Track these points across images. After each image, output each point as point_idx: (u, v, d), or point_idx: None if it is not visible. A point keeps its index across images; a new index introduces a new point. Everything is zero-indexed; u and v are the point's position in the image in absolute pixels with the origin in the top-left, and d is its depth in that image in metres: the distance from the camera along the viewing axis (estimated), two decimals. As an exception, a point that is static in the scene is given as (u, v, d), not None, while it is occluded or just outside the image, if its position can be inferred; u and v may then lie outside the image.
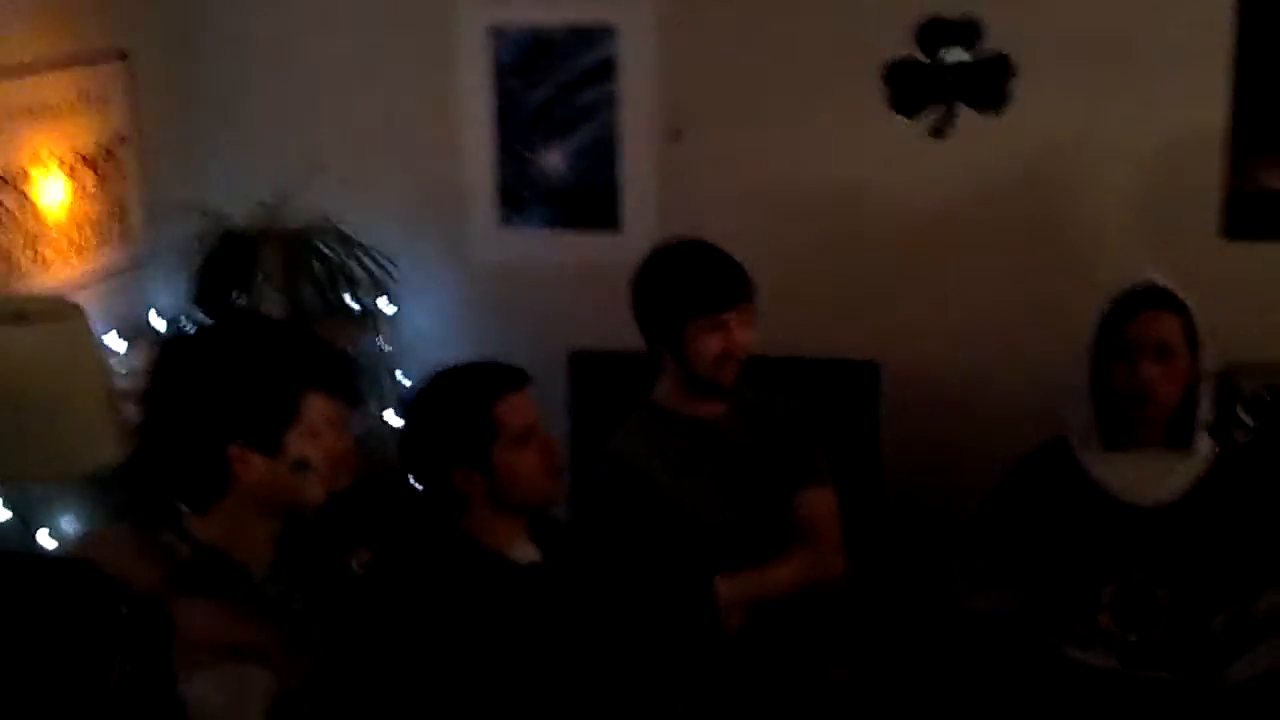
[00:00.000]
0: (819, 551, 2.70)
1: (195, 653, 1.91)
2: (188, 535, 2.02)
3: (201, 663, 1.91)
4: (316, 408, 2.03)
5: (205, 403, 1.99)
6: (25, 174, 3.13)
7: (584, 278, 3.73)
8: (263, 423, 1.99)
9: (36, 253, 3.17)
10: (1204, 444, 2.59)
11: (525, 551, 2.36)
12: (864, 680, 2.84)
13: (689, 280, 2.65)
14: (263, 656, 1.97)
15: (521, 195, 3.79)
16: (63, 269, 3.26)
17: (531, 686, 2.22)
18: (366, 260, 3.61)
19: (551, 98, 3.70)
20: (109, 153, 3.43)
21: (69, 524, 2.91)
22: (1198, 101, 3.36)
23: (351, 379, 2.34)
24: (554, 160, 3.75)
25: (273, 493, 2.03)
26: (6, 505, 2.71)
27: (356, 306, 3.61)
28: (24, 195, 3.12)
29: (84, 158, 3.34)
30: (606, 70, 3.66)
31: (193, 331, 2.12)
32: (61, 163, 3.25)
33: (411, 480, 2.48)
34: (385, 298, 3.70)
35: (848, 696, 2.77)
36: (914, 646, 3.10)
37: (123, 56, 3.48)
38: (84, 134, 3.34)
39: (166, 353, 2.12)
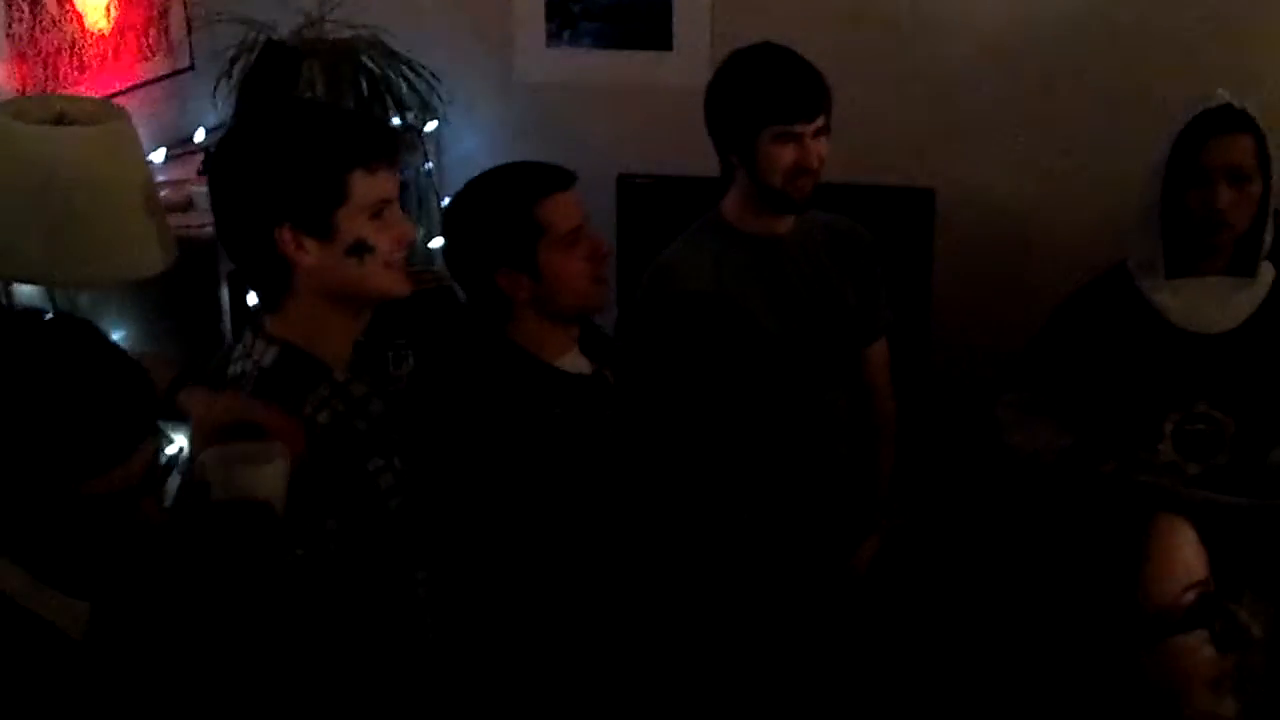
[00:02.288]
0: (882, 401, 2.79)
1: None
2: (270, 336, 1.97)
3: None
4: (368, 187, 1.91)
5: (249, 187, 1.92)
6: (67, -24, 3.04)
7: (634, 98, 3.63)
8: (309, 203, 1.89)
9: (78, 59, 3.09)
10: (1267, 271, 2.53)
11: (576, 363, 2.32)
12: (900, 547, 2.82)
13: (763, 88, 2.51)
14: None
15: (571, 12, 3.66)
16: (104, 77, 3.17)
17: (577, 495, 2.21)
18: (411, 77, 3.52)
19: (602, -93, 3.55)
20: (152, -43, 3.34)
21: (116, 331, 2.90)
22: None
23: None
24: (603, -25, 3.61)
25: (336, 282, 1.94)
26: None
27: (401, 125, 3.53)
28: (66, 0, 3.03)
29: (127, -39, 3.24)
30: (660, -123, 3.50)
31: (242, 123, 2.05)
32: (103, -34, 3.16)
33: (458, 290, 2.45)
34: (431, 117, 3.61)
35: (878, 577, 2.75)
36: (960, 486, 3.07)
37: None
38: (125, -63, 3.24)
39: (218, 148, 2.06)
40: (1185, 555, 1.55)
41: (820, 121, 2.51)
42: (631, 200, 3.51)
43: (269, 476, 1.75)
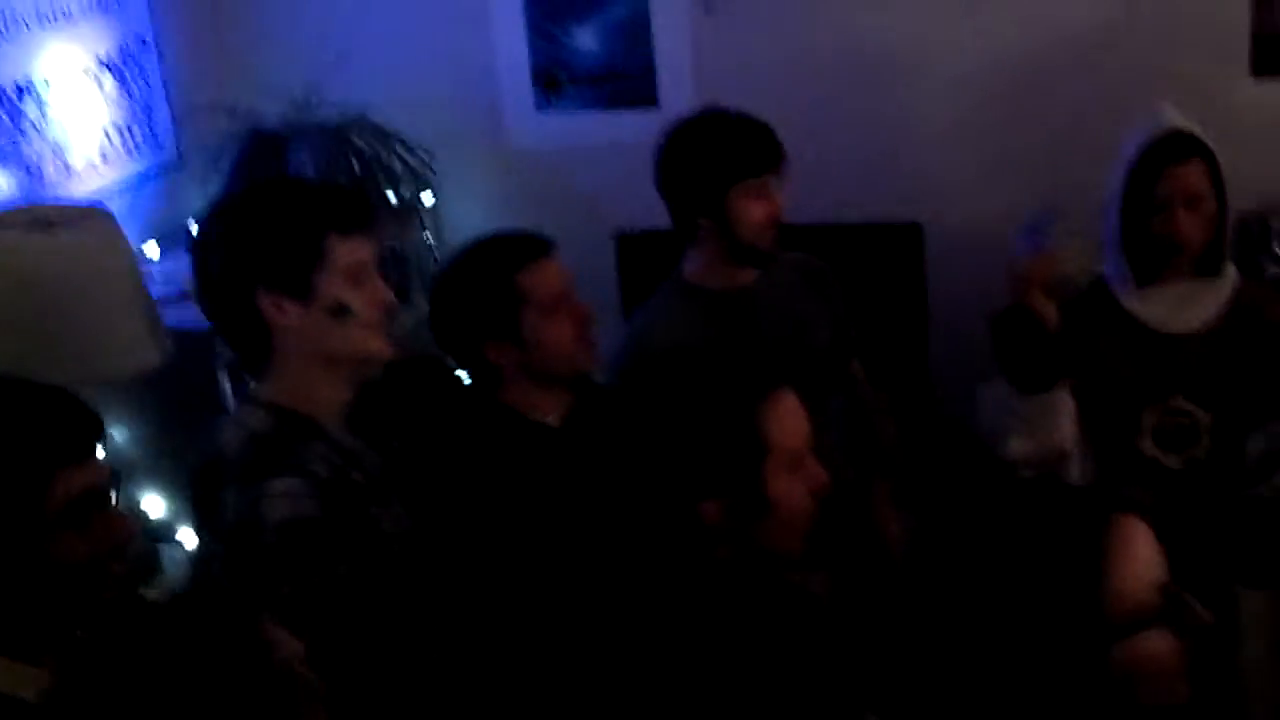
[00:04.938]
0: (881, 412, 2.76)
1: None
2: (260, 401, 1.94)
3: None
4: (344, 250, 1.90)
5: (230, 252, 1.91)
6: (45, 82, 2.97)
7: (625, 157, 3.49)
8: (287, 266, 1.88)
9: (63, 162, 3.03)
10: (1230, 271, 2.53)
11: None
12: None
13: (729, 146, 2.49)
14: None
15: (557, 77, 3.60)
16: (91, 177, 3.13)
17: (570, 550, 2.11)
18: (404, 153, 3.43)
19: (581, -26, 3.51)
20: (130, 56, 3.26)
21: (116, 429, 2.80)
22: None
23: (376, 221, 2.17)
24: (587, 39, 3.56)
25: (318, 343, 1.91)
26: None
27: (397, 201, 3.44)
28: (46, 104, 2.97)
29: (104, 63, 3.18)
30: (635, -57, 3.45)
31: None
32: (82, 69, 3.09)
33: (450, 363, 2.36)
34: (426, 191, 3.52)
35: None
36: (960, 504, 2.97)
37: (139, -45, 3.31)
38: (103, 38, 3.17)
39: (202, 219, 2.07)
40: (1144, 555, 1.64)
41: (783, 170, 2.51)
42: (631, 256, 3.42)
43: None
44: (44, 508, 1.50)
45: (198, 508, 1.99)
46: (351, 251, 1.91)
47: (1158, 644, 1.59)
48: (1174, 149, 2.42)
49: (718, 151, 2.49)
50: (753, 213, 2.47)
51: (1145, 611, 1.58)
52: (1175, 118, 2.45)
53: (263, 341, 1.92)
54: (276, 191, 2.02)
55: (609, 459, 2.25)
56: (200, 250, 1.98)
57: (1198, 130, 2.44)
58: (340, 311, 1.90)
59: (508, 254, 2.19)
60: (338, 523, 1.87)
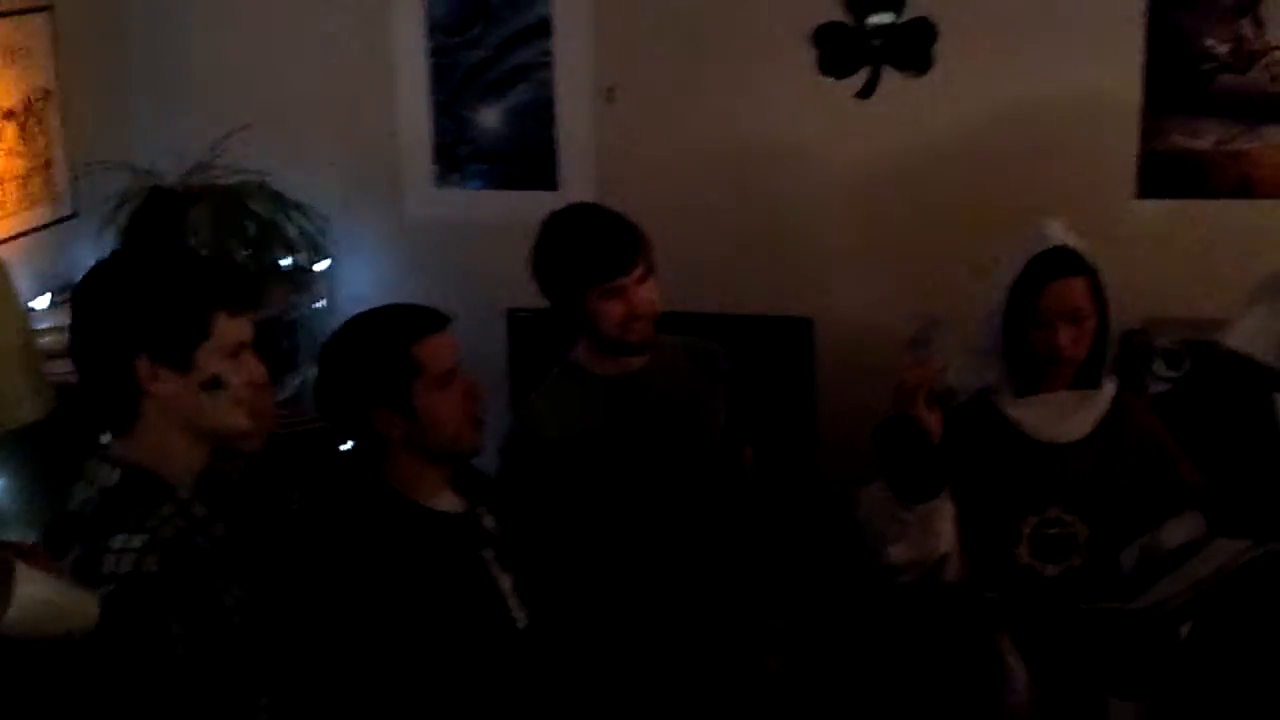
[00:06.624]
0: (754, 493, 2.74)
1: None
2: (115, 460, 1.91)
3: None
4: (228, 328, 1.91)
5: (115, 315, 1.89)
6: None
7: (521, 237, 3.54)
8: (171, 337, 1.88)
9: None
10: (1109, 384, 2.57)
11: (449, 502, 2.21)
12: (804, 649, 2.73)
13: (579, 251, 2.49)
14: None
15: (458, 154, 3.61)
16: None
17: (447, 635, 2.09)
18: (300, 219, 3.41)
19: (487, 57, 3.53)
20: (32, 108, 3.20)
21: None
22: (1112, 63, 3.27)
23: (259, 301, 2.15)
24: (490, 120, 3.57)
25: (188, 413, 1.91)
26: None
27: (290, 265, 3.41)
28: (-55, 152, 2.90)
29: (6, 113, 3.11)
30: (542, 30, 3.49)
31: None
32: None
33: (332, 431, 2.34)
34: (320, 258, 3.50)
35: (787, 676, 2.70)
36: (848, 604, 3.00)
37: (47, 8, 3.24)
38: (6, 88, 3.10)
39: (85, 279, 2.01)
40: None
41: (640, 269, 2.49)
42: (522, 334, 3.43)
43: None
44: None
45: None
46: (235, 330, 1.93)
47: None
48: (1057, 264, 2.45)
49: (568, 259, 2.50)
50: (611, 313, 2.47)
51: None
52: (1060, 233, 2.48)
53: (130, 403, 1.90)
54: (168, 261, 2.00)
55: (509, 548, 2.27)
56: (83, 307, 1.95)
57: (1082, 246, 2.47)
58: (215, 385, 1.91)
59: (404, 324, 2.18)
60: (177, 583, 1.84)
